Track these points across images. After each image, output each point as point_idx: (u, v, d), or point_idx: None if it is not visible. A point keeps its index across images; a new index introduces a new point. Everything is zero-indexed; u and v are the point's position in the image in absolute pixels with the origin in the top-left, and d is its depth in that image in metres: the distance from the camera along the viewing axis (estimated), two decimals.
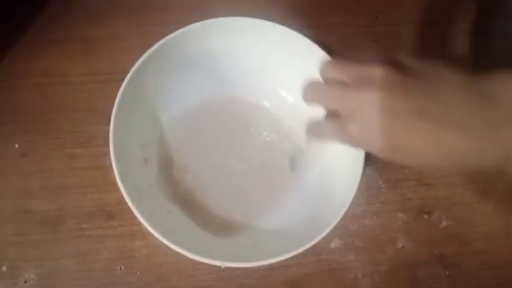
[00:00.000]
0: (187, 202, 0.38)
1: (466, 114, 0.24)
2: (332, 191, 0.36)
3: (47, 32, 0.42)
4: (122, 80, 0.34)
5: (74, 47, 0.42)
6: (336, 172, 0.37)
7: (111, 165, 0.32)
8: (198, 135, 0.40)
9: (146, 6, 0.44)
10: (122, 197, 0.31)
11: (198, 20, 0.36)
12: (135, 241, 0.37)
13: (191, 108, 0.40)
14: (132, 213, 0.31)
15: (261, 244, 0.35)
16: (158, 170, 0.38)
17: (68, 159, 0.38)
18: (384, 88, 0.24)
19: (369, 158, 0.35)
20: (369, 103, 0.24)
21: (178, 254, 0.31)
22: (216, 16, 0.37)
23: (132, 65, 0.35)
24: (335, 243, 0.38)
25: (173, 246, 0.31)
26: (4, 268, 0.35)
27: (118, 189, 0.31)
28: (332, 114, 0.28)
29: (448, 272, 0.39)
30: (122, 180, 0.32)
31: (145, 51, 0.35)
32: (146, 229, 0.31)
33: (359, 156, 0.34)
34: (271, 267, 0.32)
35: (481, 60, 0.44)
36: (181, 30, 0.36)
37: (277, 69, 0.40)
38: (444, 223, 0.40)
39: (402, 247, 0.39)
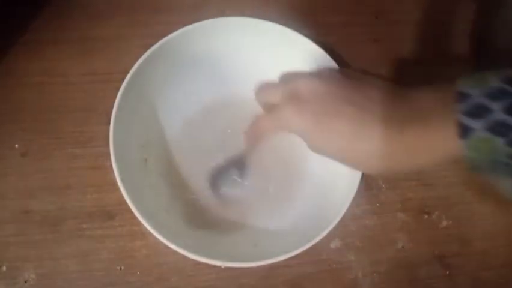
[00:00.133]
0: (187, 202, 0.38)
1: (385, 107, 0.27)
2: (332, 191, 0.36)
3: (47, 31, 0.42)
4: (122, 80, 0.34)
5: (74, 47, 0.42)
6: (336, 172, 0.37)
7: (111, 165, 0.32)
8: (198, 135, 0.40)
9: (147, 6, 0.44)
10: (122, 197, 0.31)
11: (198, 20, 0.36)
12: (135, 241, 0.37)
13: (191, 108, 0.40)
14: (132, 213, 0.31)
15: (261, 244, 0.35)
16: (158, 170, 0.38)
17: (68, 159, 0.38)
18: (325, 79, 0.30)
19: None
20: (308, 88, 0.29)
21: (178, 254, 0.31)
22: (216, 16, 0.37)
23: (132, 65, 0.35)
24: (335, 243, 0.38)
25: (173, 246, 0.31)
26: (4, 268, 0.35)
27: (118, 189, 0.31)
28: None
29: (448, 272, 0.39)
30: (122, 180, 0.32)
31: (145, 51, 0.35)
32: (146, 229, 0.31)
33: None
34: (271, 267, 0.32)
35: (481, 60, 0.44)
36: (181, 30, 0.36)
37: (277, 69, 0.40)
38: (444, 223, 0.40)
39: (402, 247, 0.39)
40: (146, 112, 0.38)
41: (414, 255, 0.39)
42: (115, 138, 0.33)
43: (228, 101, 0.41)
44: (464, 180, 0.41)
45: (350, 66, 0.42)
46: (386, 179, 0.41)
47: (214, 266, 0.32)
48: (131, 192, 0.32)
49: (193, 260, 0.31)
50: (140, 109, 0.37)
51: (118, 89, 0.34)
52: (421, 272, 0.39)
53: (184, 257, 0.31)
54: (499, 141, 0.21)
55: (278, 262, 0.31)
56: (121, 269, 0.36)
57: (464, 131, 0.22)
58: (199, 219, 0.37)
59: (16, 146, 0.38)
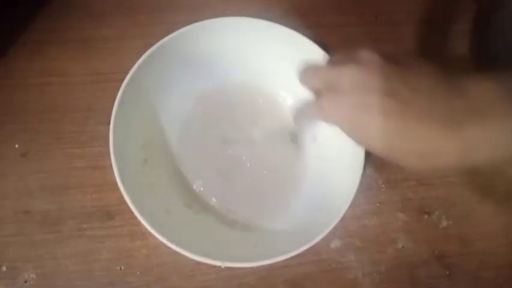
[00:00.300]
0: (187, 202, 0.38)
1: (434, 101, 0.24)
2: (332, 191, 0.36)
3: (47, 31, 0.42)
4: (122, 80, 0.34)
5: (75, 47, 0.42)
6: (336, 172, 0.37)
7: (111, 165, 0.32)
8: (198, 135, 0.40)
9: (147, 6, 0.44)
10: (122, 197, 0.31)
11: (198, 20, 0.36)
12: (135, 241, 0.37)
13: (191, 108, 0.40)
14: (132, 213, 0.31)
15: (261, 244, 0.35)
16: (158, 170, 0.38)
17: (68, 159, 0.38)
18: (364, 66, 0.26)
19: (369, 158, 0.35)
20: (346, 77, 0.26)
21: (178, 254, 0.31)
22: (216, 16, 0.37)
23: (132, 65, 0.35)
24: (335, 243, 0.38)
25: (173, 246, 0.31)
26: (4, 268, 0.35)
27: (118, 189, 0.31)
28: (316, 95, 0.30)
29: (448, 272, 0.39)
30: (122, 180, 0.32)
31: (145, 51, 0.35)
32: (146, 229, 0.31)
33: (358, 156, 0.34)
34: (271, 267, 0.32)
35: (481, 60, 0.44)
36: (181, 30, 0.36)
37: (277, 69, 0.40)
38: (444, 223, 0.40)
39: (402, 247, 0.39)
40: (146, 112, 0.38)
41: (414, 255, 0.39)
42: (115, 138, 0.33)
43: (228, 101, 0.41)
44: (464, 180, 0.41)
45: None
46: (386, 179, 0.41)
47: (214, 266, 0.32)
48: (131, 192, 0.32)
49: (193, 260, 0.31)
50: (140, 109, 0.37)
51: (118, 89, 0.34)
52: (421, 272, 0.39)
53: (184, 257, 0.31)
54: None
55: (278, 262, 0.31)
56: (121, 269, 0.36)
57: None
58: (199, 219, 0.37)
59: (16, 146, 0.38)
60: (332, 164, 0.38)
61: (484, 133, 0.23)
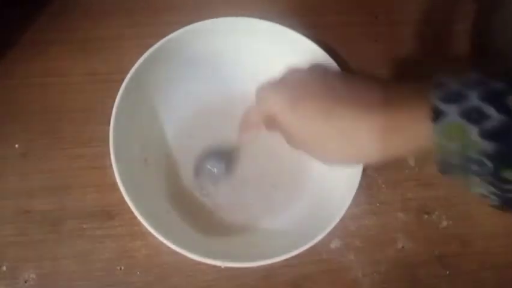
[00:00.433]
0: (187, 202, 0.38)
1: (357, 92, 0.27)
2: (332, 191, 0.36)
3: (47, 32, 0.42)
4: (122, 80, 0.34)
5: (74, 47, 0.42)
6: (336, 172, 0.37)
7: (111, 165, 0.32)
8: (198, 135, 0.40)
9: (147, 6, 0.44)
10: (122, 197, 0.31)
11: (198, 20, 0.36)
12: (135, 241, 0.37)
13: (191, 108, 0.40)
14: (132, 213, 0.31)
15: (261, 244, 0.35)
16: (158, 170, 0.38)
17: (68, 159, 0.38)
18: (308, 69, 0.30)
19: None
20: (290, 76, 0.30)
21: (178, 254, 0.31)
22: (216, 16, 0.37)
23: (132, 65, 0.35)
24: (335, 243, 0.38)
25: (173, 246, 0.31)
26: (4, 268, 0.35)
27: (118, 189, 0.31)
28: None
29: (448, 272, 0.39)
30: (122, 180, 0.32)
31: (145, 51, 0.35)
32: (146, 229, 0.31)
33: None
34: (271, 267, 0.32)
35: (481, 60, 0.44)
36: (181, 30, 0.36)
37: (277, 69, 0.40)
38: (444, 223, 0.40)
39: (402, 247, 0.39)
40: (146, 112, 0.38)
41: (414, 255, 0.39)
42: (115, 138, 0.33)
43: (227, 101, 0.41)
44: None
45: (349, 66, 0.42)
46: (386, 179, 0.41)
47: (214, 266, 0.32)
48: (131, 192, 0.32)
49: (193, 260, 0.31)
50: (140, 109, 0.37)
51: (118, 89, 0.34)
52: (421, 272, 0.39)
53: (184, 257, 0.31)
54: (472, 131, 0.20)
55: (278, 262, 0.31)
56: (121, 269, 0.36)
57: (437, 115, 0.21)
58: (199, 219, 0.37)
59: (16, 146, 0.38)
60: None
61: (393, 119, 0.24)
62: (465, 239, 0.40)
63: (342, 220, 0.32)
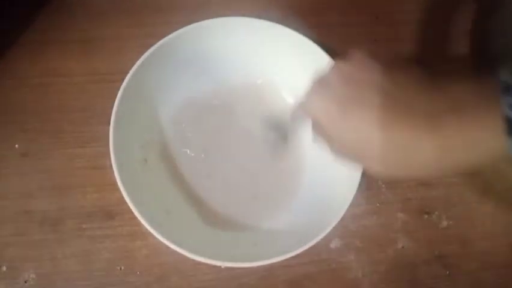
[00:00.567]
0: (187, 202, 0.38)
1: (417, 98, 0.24)
2: (332, 191, 0.36)
3: (47, 31, 0.42)
4: (122, 80, 0.34)
5: (75, 47, 0.42)
6: (336, 172, 0.37)
7: (111, 165, 0.32)
8: (198, 135, 0.40)
9: (147, 6, 0.44)
10: (122, 197, 0.31)
11: (198, 20, 0.36)
12: (135, 241, 0.37)
13: (191, 108, 0.40)
14: (132, 213, 0.31)
15: (261, 244, 0.35)
16: (158, 170, 0.38)
17: (68, 159, 0.38)
18: (353, 62, 0.26)
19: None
20: (335, 71, 0.27)
21: (178, 254, 0.31)
22: (216, 16, 0.37)
23: (132, 65, 0.35)
24: (335, 243, 0.38)
25: (173, 246, 0.31)
26: (4, 268, 0.35)
27: (118, 189, 0.31)
28: None
29: (447, 272, 0.39)
30: (122, 180, 0.32)
31: (145, 51, 0.35)
32: (146, 229, 0.31)
33: None
34: (271, 267, 0.32)
35: (481, 60, 0.44)
36: (181, 30, 0.36)
37: (277, 69, 0.40)
38: (445, 223, 0.40)
39: (402, 247, 0.39)
40: (146, 112, 0.38)
41: (414, 255, 0.39)
42: (115, 138, 0.33)
43: (228, 101, 0.41)
44: (464, 180, 0.41)
45: None
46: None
47: (214, 266, 0.32)
48: (131, 192, 0.32)
49: (193, 260, 0.31)
50: (140, 109, 0.37)
51: (118, 89, 0.34)
52: (421, 272, 0.39)
53: (184, 257, 0.31)
54: None
55: (278, 262, 0.31)
56: (121, 269, 0.36)
57: (511, 125, 0.19)
58: (199, 219, 0.37)
59: (16, 146, 0.38)
60: (332, 164, 0.38)
61: (461, 131, 0.22)
62: (465, 239, 0.40)
63: (342, 220, 0.32)
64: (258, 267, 0.31)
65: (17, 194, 0.37)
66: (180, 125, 0.40)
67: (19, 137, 0.39)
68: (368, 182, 0.40)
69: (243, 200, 0.39)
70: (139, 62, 0.35)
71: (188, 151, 0.39)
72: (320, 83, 0.27)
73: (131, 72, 0.35)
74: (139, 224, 0.31)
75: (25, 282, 0.35)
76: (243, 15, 0.37)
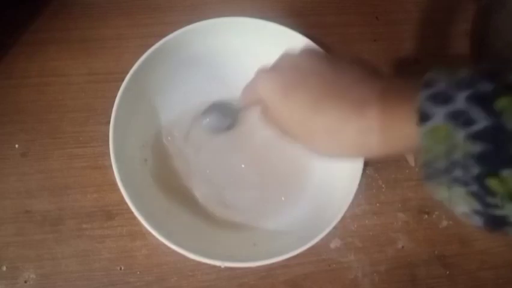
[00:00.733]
0: (187, 202, 0.38)
1: (350, 85, 0.26)
2: (332, 191, 0.36)
3: (47, 31, 0.42)
4: (122, 80, 0.34)
5: (74, 47, 0.42)
6: (336, 172, 0.37)
7: (111, 165, 0.32)
8: (198, 135, 0.40)
9: (147, 6, 0.44)
10: (122, 197, 0.31)
11: (198, 20, 0.36)
12: (135, 241, 0.37)
13: (191, 108, 0.40)
14: (132, 213, 0.31)
15: (261, 244, 0.35)
16: (158, 170, 0.38)
17: (68, 159, 0.38)
18: (304, 53, 0.29)
19: (369, 158, 0.35)
20: (286, 58, 0.30)
21: (178, 254, 0.31)
22: (216, 16, 0.37)
23: (132, 65, 0.35)
24: (335, 243, 0.38)
25: (173, 246, 0.31)
26: (4, 268, 0.35)
27: (118, 189, 0.31)
28: None
29: (447, 272, 0.39)
30: (122, 180, 0.32)
31: (145, 51, 0.35)
32: (146, 229, 0.31)
33: None
34: (271, 267, 0.32)
35: (481, 60, 0.44)
36: (181, 30, 0.36)
37: None
38: (444, 223, 0.40)
39: (402, 247, 0.39)
40: (146, 112, 0.38)
41: (414, 255, 0.39)
42: (115, 138, 0.33)
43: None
44: None
45: None
46: (386, 179, 0.41)
47: (214, 266, 0.32)
48: (131, 192, 0.32)
49: (193, 260, 0.31)
50: (140, 109, 0.37)
51: (118, 89, 0.34)
52: (421, 272, 0.39)
53: (184, 257, 0.31)
54: (459, 133, 0.20)
55: (278, 262, 0.31)
56: (121, 269, 0.36)
57: (422, 116, 0.21)
58: (199, 219, 0.37)
59: (16, 146, 0.38)
60: (332, 165, 0.38)
61: (379, 116, 0.24)
62: (465, 239, 0.40)
63: (342, 220, 0.33)
64: (258, 267, 0.31)
65: (17, 194, 0.37)
66: (180, 125, 0.40)
67: (19, 137, 0.39)
68: (368, 182, 0.40)
69: (243, 200, 0.39)
70: (139, 62, 0.35)
71: (188, 151, 0.39)
72: (270, 68, 0.30)
73: (131, 72, 0.35)
74: (139, 224, 0.31)
75: (25, 282, 0.35)
76: (243, 15, 0.37)
